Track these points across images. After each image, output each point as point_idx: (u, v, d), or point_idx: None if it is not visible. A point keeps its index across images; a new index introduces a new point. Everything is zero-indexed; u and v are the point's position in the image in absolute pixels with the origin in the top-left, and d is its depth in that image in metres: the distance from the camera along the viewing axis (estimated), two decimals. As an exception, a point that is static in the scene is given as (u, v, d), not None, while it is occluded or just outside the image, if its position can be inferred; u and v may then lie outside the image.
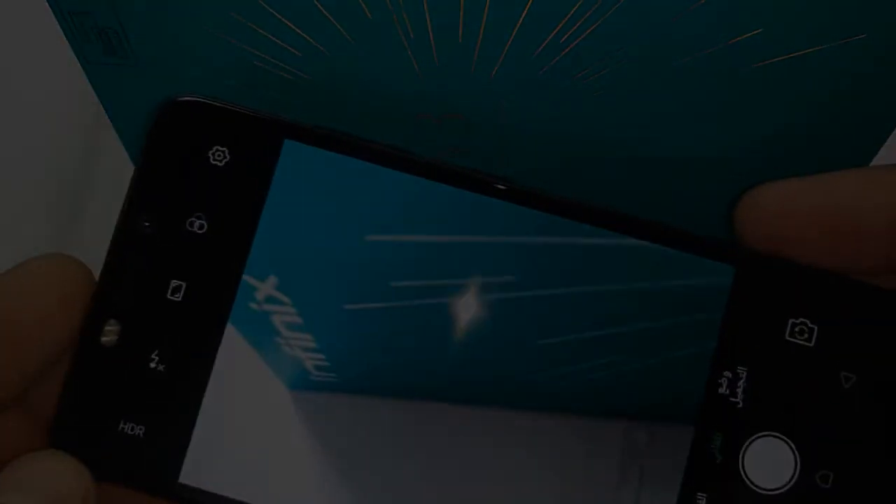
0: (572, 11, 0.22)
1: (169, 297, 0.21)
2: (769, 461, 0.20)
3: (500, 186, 0.22)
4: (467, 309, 0.21)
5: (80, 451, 0.20)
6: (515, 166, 0.27)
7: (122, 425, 0.20)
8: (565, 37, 0.23)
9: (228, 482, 0.20)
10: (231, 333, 0.21)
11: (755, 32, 0.23)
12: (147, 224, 0.21)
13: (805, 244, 0.21)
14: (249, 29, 0.24)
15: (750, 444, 0.21)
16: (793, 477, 0.20)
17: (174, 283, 0.21)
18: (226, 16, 0.24)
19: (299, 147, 0.21)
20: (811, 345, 0.21)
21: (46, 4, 0.24)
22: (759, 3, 0.22)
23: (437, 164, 0.22)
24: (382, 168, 0.21)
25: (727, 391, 0.21)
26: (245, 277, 0.21)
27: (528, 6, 0.22)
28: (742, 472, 0.20)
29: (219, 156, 0.21)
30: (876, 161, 0.25)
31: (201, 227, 0.21)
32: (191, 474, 0.20)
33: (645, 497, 0.20)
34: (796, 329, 0.21)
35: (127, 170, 0.31)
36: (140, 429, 0.20)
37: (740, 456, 0.20)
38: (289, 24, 0.24)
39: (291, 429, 0.21)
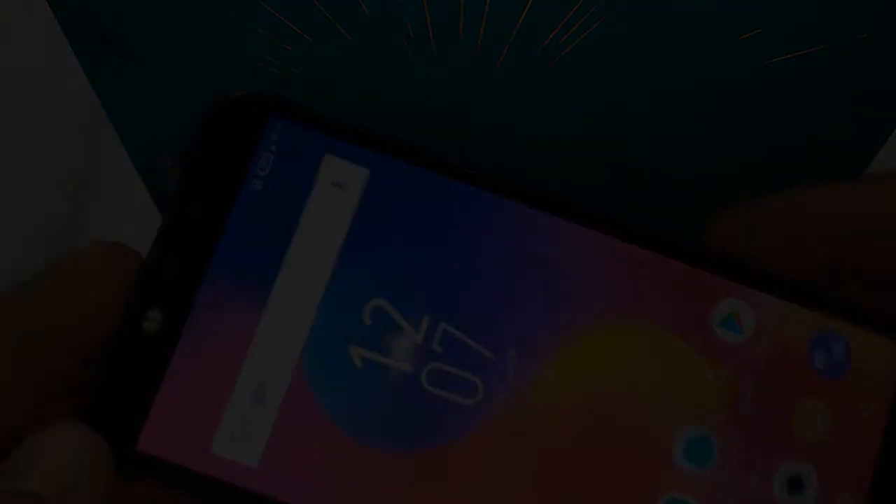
0: (573, 11, 0.22)
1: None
2: None
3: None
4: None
5: (111, 439, 0.20)
6: (515, 166, 0.27)
7: (155, 413, 0.20)
8: (565, 36, 0.23)
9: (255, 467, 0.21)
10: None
11: (755, 32, 0.23)
12: (198, 211, 0.21)
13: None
14: (249, 28, 0.24)
15: None
16: None
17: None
18: (226, 15, 0.24)
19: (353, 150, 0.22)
20: None
21: (46, 4, 0.24)
22: (758, 3, 0.22)
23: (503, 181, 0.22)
24: (418, 168, 0.22)
25: None
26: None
27: (528, 5, 0.22)
28: None
29: (273, 149, 0.21)
30: (875, 162, 0.25)
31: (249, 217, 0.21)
32: (219, 464, 0.21)
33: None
34: None
35: (127, 170, 0.31)
36: (173, 417, 0.20)
37: None
38: (289, 23, 0.24)
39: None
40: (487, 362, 0.21)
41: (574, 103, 0.25)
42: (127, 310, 0.21)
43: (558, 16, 0.23)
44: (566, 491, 0.21)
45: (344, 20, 0.23)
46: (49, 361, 0.20)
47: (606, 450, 0.21)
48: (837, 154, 0.25)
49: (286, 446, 0.21)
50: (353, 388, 0.21)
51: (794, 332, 0.21)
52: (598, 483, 0.21)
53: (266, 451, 0.21)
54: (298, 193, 0.21)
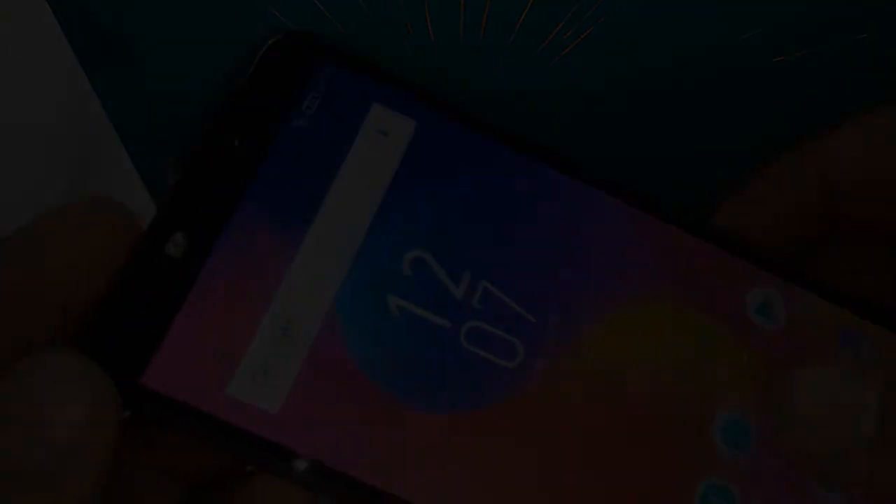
0: (573, 11, 0.22)
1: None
2: None
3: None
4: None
5: (110, 368, 0.18)
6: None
7: (166, 345, 0.19)
8: (566, 35, 0.23)
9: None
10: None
11: (755, 33, 0.23)
12: (238, 142, 0.20)
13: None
14: (249, 28, 0.24)
15: None
16: None
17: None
18: (225, 15, 0.24)
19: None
20: None
21: (46, 4, 0.24)
22: (758, 3, 0.22)
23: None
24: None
25: None
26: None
27: (529, 5, 0.22)
28: None
29: (322, 90, 0.21)
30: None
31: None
32: (235, 407, 0.19)
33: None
34: None
35: (127, 170, 0.31)
36: (186, 351, 0.19)
37: None
38: (289, 23, 0.24)
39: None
40: (528, 325, 0.20)
41: (575, 101, 0.25)
42: (150, 229, 0.19)
43: (558, 15, 0.23)
44: (602, 467, 0.20)
45: (344, 19, 0.23)
46: (28, 319, 0.18)
47: (644, 427, 0.20)
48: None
49: (310, 394, 0.19)
50: (387, 337, 0.20)
51: (823, 326, 0.21)
52: (635, 462, 0.20)
53: (288, 398, 0.19)
54: (344, 136, 0.21)
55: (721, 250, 0.21)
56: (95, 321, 0.19)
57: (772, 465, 0.20)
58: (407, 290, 0.20)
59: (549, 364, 0.20)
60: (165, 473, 0.20)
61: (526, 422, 0.20)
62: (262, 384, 0.19)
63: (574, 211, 0.21)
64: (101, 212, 0.19)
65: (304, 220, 0.20)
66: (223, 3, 0.23)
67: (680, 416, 0.20)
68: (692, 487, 0.20)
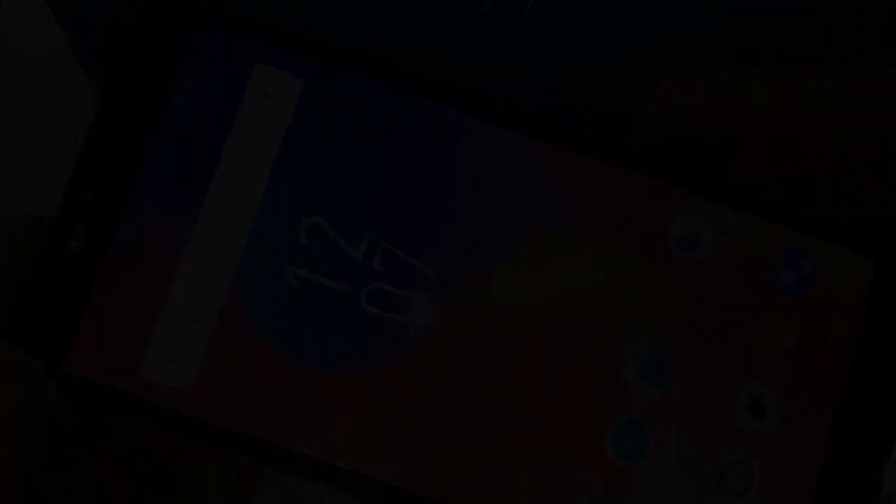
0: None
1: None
2: None
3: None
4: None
5: (43, 355, 0.20)
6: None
7: (80, 334, 0.20)
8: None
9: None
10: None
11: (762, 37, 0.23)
12: (124, 129, 0.20)
13: (703, 147, 0.20)
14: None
15: None
16: None
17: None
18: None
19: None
20: None
21: (46, 4, 0.24)
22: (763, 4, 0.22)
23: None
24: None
25: None
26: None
27: (529, 4, 0.22)
28: None
29: (200, 59, 0.20)
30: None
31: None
32: (149, 387, 0.20)
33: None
34: None
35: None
36: (100, 338, 0.20)
37: None
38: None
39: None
40: (430, 280, 0.20)
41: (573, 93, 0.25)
42: (52, 228, 0.20)
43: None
44: (509, 413, 0.20)
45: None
46: None
47: (554, 370, 0.20)
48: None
49: (219, 369, 0.20)
50: (288, 309, 0.20)
51: (758, 248, 0.20)
52: (544, 405, 0.20)
53: (198, 375, 0.20)
54: (228, 106, 0.20)
55: (640, 175, 0.20)
56: (16, 319, 0.20)
57: (693, 400, 0.20)
58: (305, 259, 0.20)
59: (452, 315, 0.20)
60: (111, 468, 0.22)
61: (432, 373, 0.20)
62: (172, 364, 0.20)
63: (472, 154, 0.21)
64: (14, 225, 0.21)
65: (197, 200, 0.20)
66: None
67: (592, 352, 0.20)
68: (603, 425, 0.20)
